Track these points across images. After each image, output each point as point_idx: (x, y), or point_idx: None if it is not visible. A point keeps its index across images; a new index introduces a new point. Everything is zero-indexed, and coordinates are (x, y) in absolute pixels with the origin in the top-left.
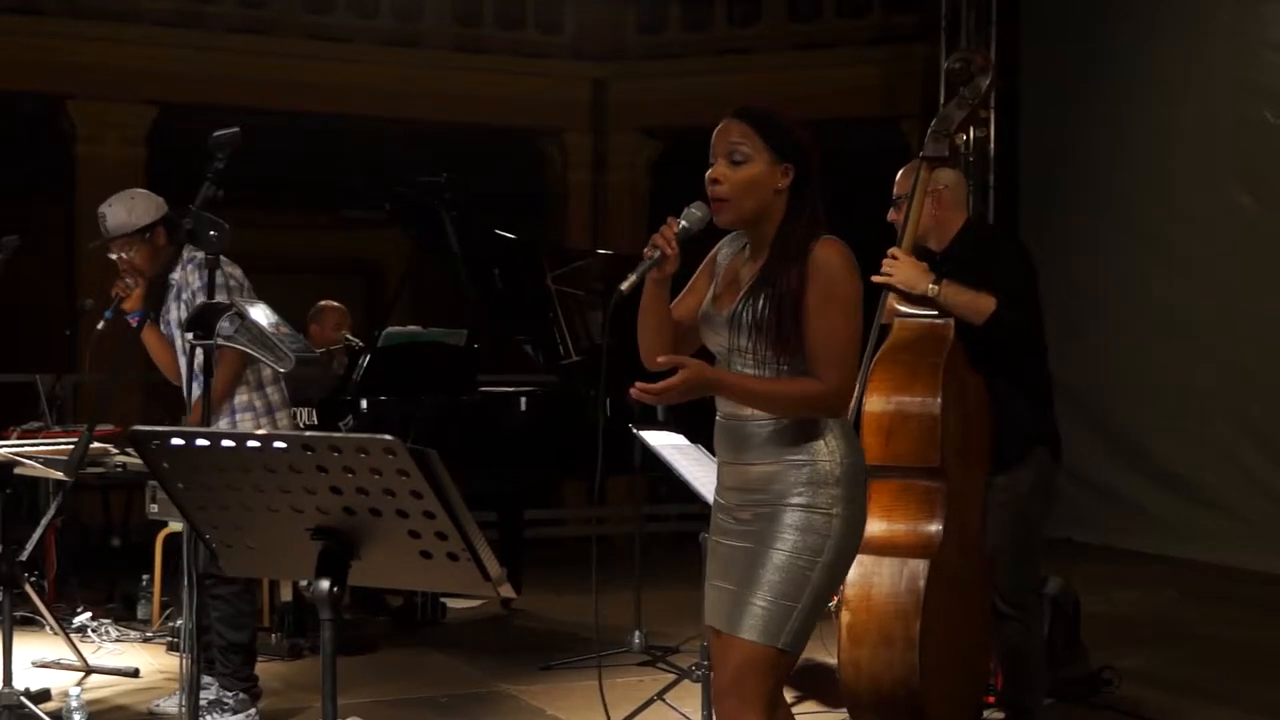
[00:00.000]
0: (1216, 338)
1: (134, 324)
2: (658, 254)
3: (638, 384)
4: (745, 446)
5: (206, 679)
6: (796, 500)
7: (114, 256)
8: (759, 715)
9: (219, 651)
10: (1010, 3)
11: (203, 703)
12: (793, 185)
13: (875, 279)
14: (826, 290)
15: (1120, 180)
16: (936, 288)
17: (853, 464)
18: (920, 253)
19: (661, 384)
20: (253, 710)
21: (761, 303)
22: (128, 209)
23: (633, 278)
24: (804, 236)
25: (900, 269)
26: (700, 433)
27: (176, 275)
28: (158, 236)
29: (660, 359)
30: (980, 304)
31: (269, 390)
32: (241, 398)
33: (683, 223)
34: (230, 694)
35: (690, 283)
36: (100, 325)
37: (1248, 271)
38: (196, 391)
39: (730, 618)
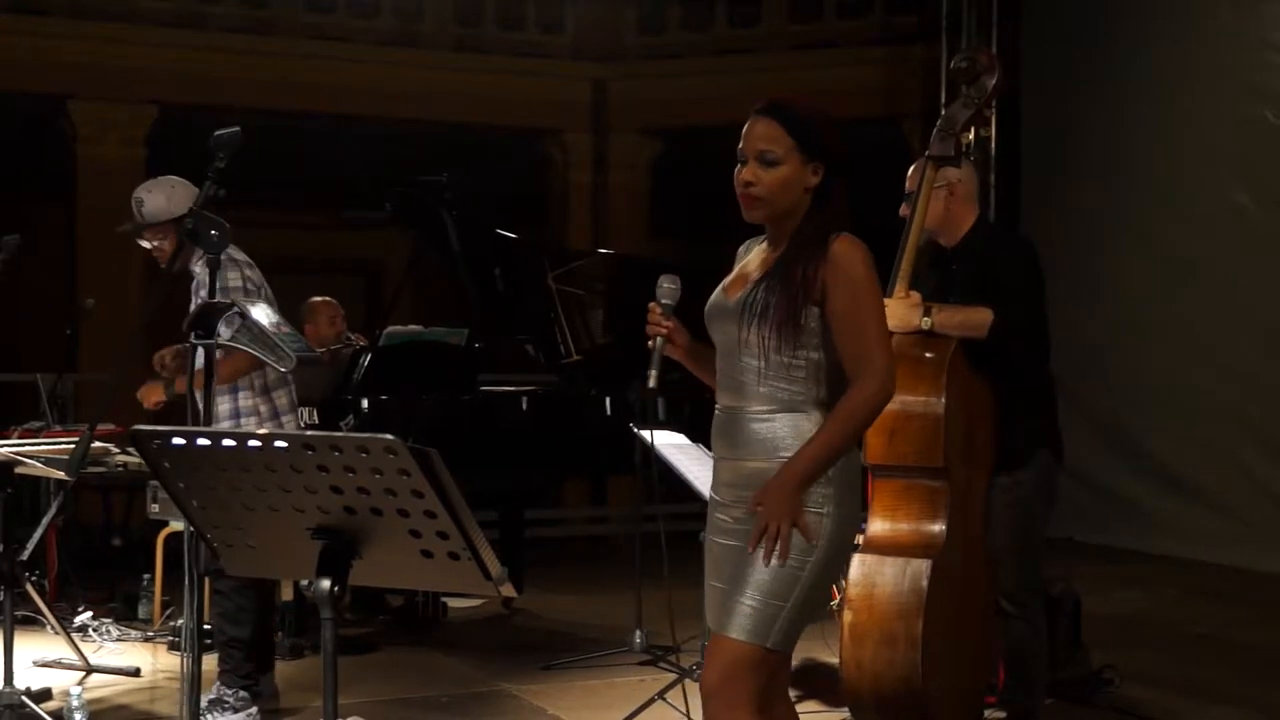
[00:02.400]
0: (1217, 338)
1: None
2: (659, 340)
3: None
4: (740, 440)
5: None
6: None
7: (145, 244)
8: (748, 715)
9: (219, 647)
10: (1011, 3)
11: (203, 702)
12: (819, 182)
13: None
14: (852, 291)
15: (1121, 180)
16: (929, 319)
17: (846, 464)
18: (932, 249)
19: (770, 534)
20: (254, 709)
21: (773, 293)
22: (167, 196)
23: (653, 371)
24: (824, 231)
25: (891, 311)
26: (701, 432)
27: (197, 269)
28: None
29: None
30: (976, 319)
31: (275, 394)
32: (246, 402)
33: (664, 301)
34: (230, 692)
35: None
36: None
37: (1248, 271)
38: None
39: (720, 617)
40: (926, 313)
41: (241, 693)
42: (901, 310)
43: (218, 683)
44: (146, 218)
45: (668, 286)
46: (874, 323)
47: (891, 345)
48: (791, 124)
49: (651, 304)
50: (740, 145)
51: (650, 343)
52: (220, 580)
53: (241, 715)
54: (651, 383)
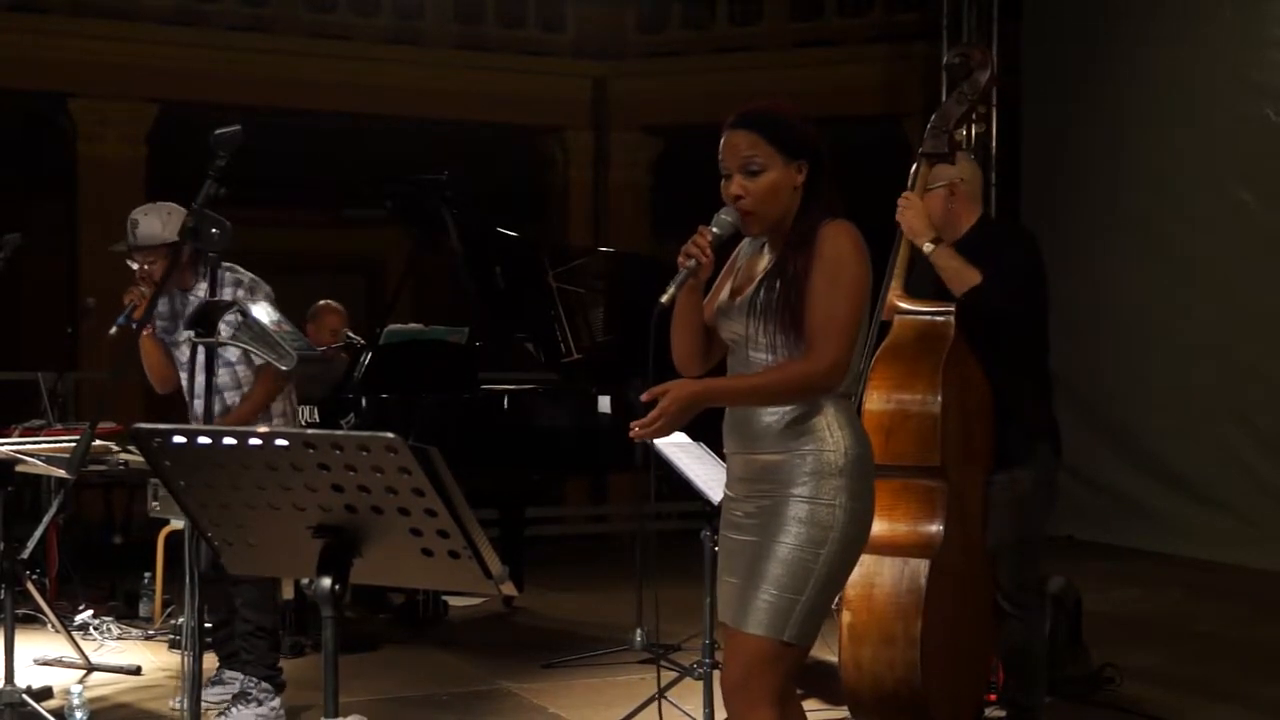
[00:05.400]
0: (1217, 336)
1: (143, 332)
2: (694, 263)
3: (633, 425)
4: (753, 435)
5: (230, 674)
6: (800, 491)
7: (134, 265)
8: (769, 709)
9: (244, 638)
10: (1012, 1)
11: (227, 696)
12: (806, 178)
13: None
14: (831, 270)
15: (1121, 179)
16: (932, 245)
17: (858, 455)
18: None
19: (651, 415)
20: (276, 701)
21: (774, 289)
22: (162, 222)
23: (672, 289)
24: (816, 222)
25: (909, 213)
26: (703, 431)
27: (200, 293)
28: (181, 253)
29: (644, 396)
30: (966, 275)
31: (292, 395)
32: (277, 404)
33: (714, 229)
34: (254, 685)
35: (716, 285)
36: (113, 331)
37: (1249, 270)
38: (216, 405)
39: (736, 612)
40: (935, 241)
41: (265, 684)
42: (918, 221)
43: (242, 675)
44: (140, 240)
45: (727, 219)
46: (844, 308)
47: (854, 337)
48: (766, 129)
49: (702, 227)
50: (721, 160)
51: (682, 260)
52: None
53: (265, 708)
54: (665, 299)
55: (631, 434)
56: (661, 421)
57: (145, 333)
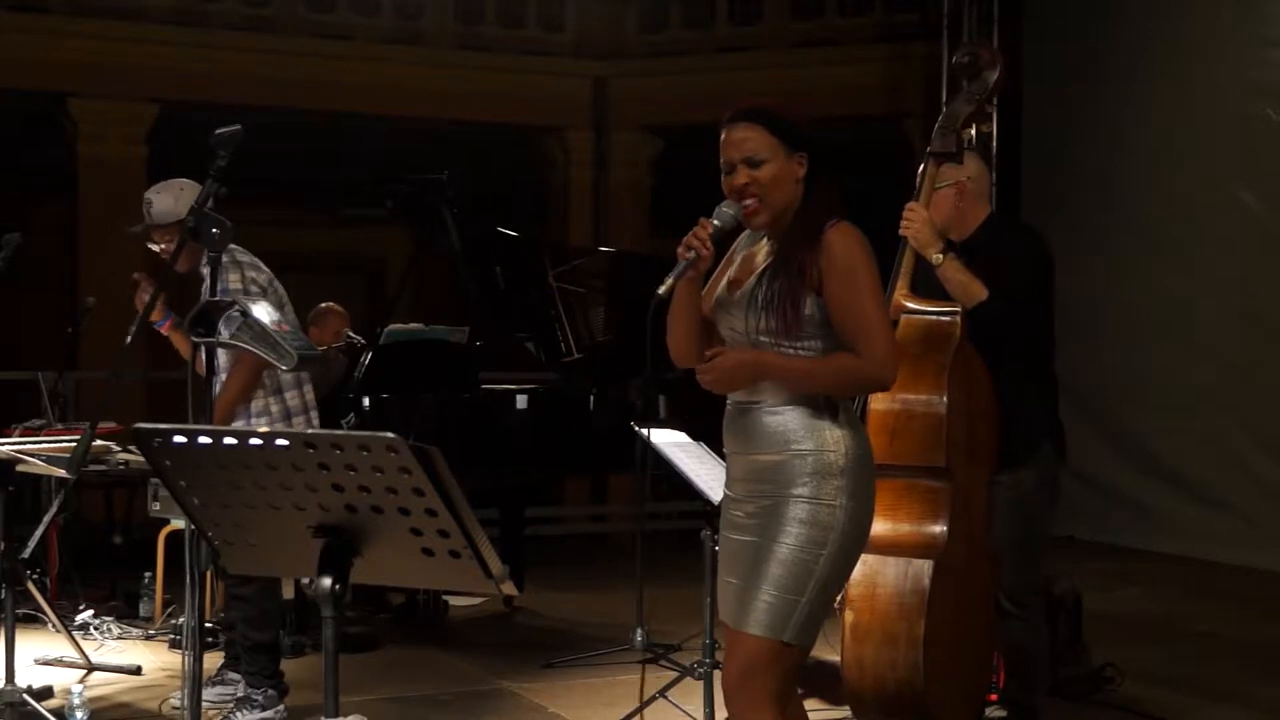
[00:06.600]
0: (1218, 336)
1: (162, 330)
2: (693, 255)
3: (700, 369)
4: (753, 435)
5: (234, 675)
6: (800, 492)
7: (154, 246)
8: (769, 710)
9: (244, 651)
10: (1012, 1)
11: (230, 700)
12: (806, 172)
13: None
14: (847, 275)
15: (1122, 179)
16: (941, 257)
17: (859, 456)
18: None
19: (707, 365)
20: (281, 706)
21: (775, 282)
22: (175, 197)
23: (670, 280)
24: (817, 218)
25: (917, 224)
26: (703, 431)
27: (207, 271)
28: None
29: (708, 353)
30: (973, 289)
31: (288, 395)
32: (258, 403)
33: (715, 222)
34: (259, 691)
35: (713, 279)
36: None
37: (1249, 269)
38: (216, 391)
39: (736, 613)
40: (944, 250)
41: (269, 691)
42: (927, 232)
43: (243, 682)
44: (155, 219)
45: (728, 212)
46: (873, 308)
47: (891, 330)
48: (767, 122)
49: (703, 219)
50: (722, 156)
51: (682, 251)
52: (241, 586)
53: (270, 712)
54: (663, 290)
55: (700, 379)
56: (717, 374)
57: (165, 327)
